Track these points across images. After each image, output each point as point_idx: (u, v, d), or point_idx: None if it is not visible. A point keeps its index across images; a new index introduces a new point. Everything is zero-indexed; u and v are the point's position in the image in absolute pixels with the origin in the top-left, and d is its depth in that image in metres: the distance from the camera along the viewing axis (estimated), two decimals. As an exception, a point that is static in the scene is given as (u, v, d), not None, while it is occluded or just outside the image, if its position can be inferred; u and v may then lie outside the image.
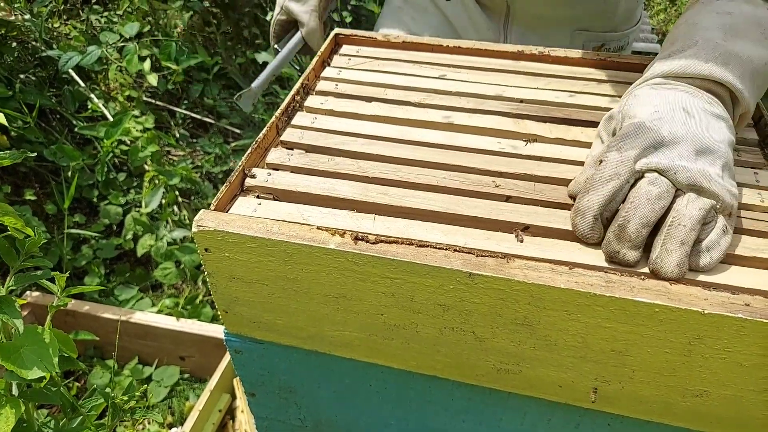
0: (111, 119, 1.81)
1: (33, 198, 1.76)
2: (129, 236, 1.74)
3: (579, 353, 0.51)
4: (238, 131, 2.34)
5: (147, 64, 1.83)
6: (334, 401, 0.69)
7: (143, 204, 1.71)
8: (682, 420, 0.54)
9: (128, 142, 1.86)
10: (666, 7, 4.78)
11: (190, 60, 1.93)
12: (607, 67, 0.81)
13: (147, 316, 1.47)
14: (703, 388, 0.51)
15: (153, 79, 1.83)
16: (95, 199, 1.88)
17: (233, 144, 2.26)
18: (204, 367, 1.48)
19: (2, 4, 1.90)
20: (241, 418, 1.28)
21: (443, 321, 0.53)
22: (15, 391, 0.53)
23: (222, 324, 0.61)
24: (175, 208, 1.84)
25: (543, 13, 0.98)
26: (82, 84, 1.94)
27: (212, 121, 2.33)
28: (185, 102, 2.38)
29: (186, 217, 1.82)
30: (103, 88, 2.10)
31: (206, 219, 0.53)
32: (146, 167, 1.79)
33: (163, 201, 1.74)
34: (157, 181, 1.72)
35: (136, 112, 1.97)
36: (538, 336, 0.51)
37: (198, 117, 2.31)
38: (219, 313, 0.60)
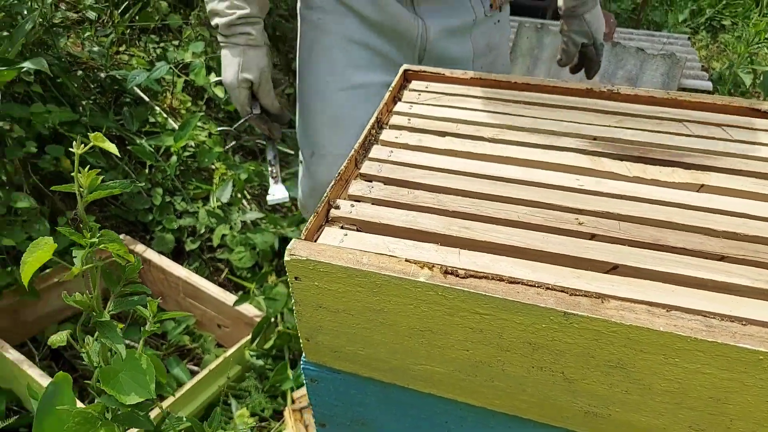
0: (176, 129, 1.93)
1: (94, 224, 1.83)
2: (203, 230, 1.87)
3: (674, 399, 0.50)
4: (291, 153, 2.40)
5: (213, 77, 1.93)
6: (405, 435, 0.68)
7: (213, 199, 1.81)
8: (779, 473, 0.52)
9: (194, 145, 1.96)
10: (708, 44, 4.75)
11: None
12: (678, 106, 0.81)
13: (202, 281, 1.64)
14: (806, 441, 0.49)
15: (220, 92, 1.92)
16: (150, 222, 1.94)
17: (284, 172, 2.31)
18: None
19: (73, 38, 2.01)
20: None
21: (532, 360, 0.52)
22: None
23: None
24: (244, 202, 1.93)
25: None
26: (147, 99, 2.04)
27: (264, 144, 2.40)
28: (238, 130, 2.48)
29: (255, 208, 1.92)
30: (165, 106, 2.19)
31: (298, 248, 0.54)
32: (213, 167, 1.90)
33: (233, 192, 1.84)
34: (225, 178, 1.83)
35: (200, 123, 2.07)
36: (631, 379, 0.50)
37: (257, 139, 2.38)
38: (300, 341, 0.61)
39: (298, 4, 1.20)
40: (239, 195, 1.95)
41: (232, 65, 1.07)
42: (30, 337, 1.63)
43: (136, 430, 0.60)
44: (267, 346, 1.51)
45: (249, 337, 1.48)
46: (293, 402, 1.38)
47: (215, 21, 1.09)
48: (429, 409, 0.62)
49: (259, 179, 2.04)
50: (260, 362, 1.47)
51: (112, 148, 0.49)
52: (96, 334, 0.51)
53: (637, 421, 0.53)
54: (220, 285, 1.77)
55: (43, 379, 1.31)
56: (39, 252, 0.46)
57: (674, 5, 5.07)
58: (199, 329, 1.71)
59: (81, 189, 0.47)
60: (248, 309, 1.56)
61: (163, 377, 0.57)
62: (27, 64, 1.38)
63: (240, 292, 1.78)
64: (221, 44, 1.12)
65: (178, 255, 1.93)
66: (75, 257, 0.47)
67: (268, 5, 1.10)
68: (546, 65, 2.17)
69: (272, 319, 1.54)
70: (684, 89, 2.24)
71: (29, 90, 1.85)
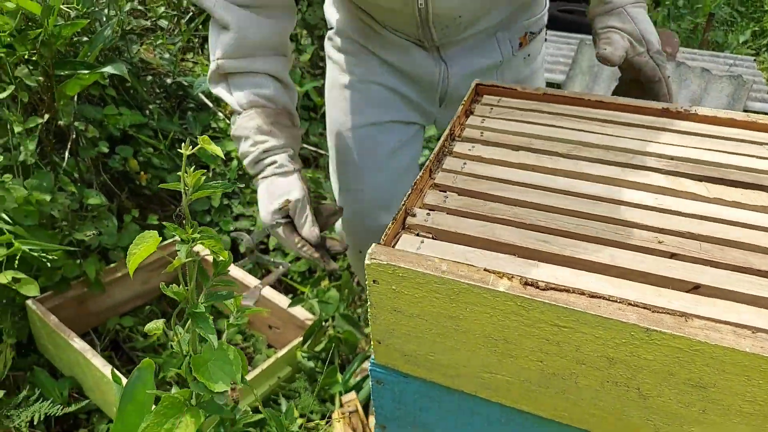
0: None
1: (156, 222, 1.91)
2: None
3: (754, 421, 0.49)
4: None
5: None
6: (467, 444, 0.69)
7: None
8: None
9: None
10: (770, 66, 4.58)
11: (312, 83, 2.11)
12: (759, 129, 0.80)
13: (257, 283, 1.67)
14: None
15: None
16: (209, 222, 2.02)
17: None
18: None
19: (146, 45, 2.12)
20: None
21: (607, 374, 0.52)
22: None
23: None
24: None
25: (465, 35, 1.07)
26: (210, 105, 2.11)
27: (316, 156, 2.45)
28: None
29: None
30: (227, 112, 2.27)
31: (379, 253, 0.56)
32: None
33: None
34: None
35: None
36: (710, 399, 0.50)
37: (310, 148, 2.43)
38: (372, 343, 0.63)
39: (327, 47, 1.24)
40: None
41: (262, 200, 0.97)
42: (93, 327, 1.71)
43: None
44: (318, 348, 1.53)
45: (300, 339, 1.51)
46: (341, 405, 1.40)
47: (245, 163, 1.01)
48: (494, 418, 0.63)
49: (314, 186, 2.09)
50: (311, 364, 1.50)
51: (217, 150, 0.52)
52: (187, 324, 0.54)
53: (715, 444, 0.52)
54: (271, 287, 1.81)
55: (105, 369, 1.37)
56: (145, 245, 0.49)
57: (736, 26, 4.92)
58: (250, 329, 1.75)
59: (186, 188, 0.50)
60: (300, 311, 1.59)
61: (246, 370, 0.59)
62: (108, 69, 1.45)
63: (290, 295, 1.82)
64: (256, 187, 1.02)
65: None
66: (179, 251, 0.50)
67: (298, 136, 1.04)
68: (606, 83, 2.15)
69: (324, 323, 1.56)
70: (747, 112, 2.17)
71: (103, 93, 1.95)
